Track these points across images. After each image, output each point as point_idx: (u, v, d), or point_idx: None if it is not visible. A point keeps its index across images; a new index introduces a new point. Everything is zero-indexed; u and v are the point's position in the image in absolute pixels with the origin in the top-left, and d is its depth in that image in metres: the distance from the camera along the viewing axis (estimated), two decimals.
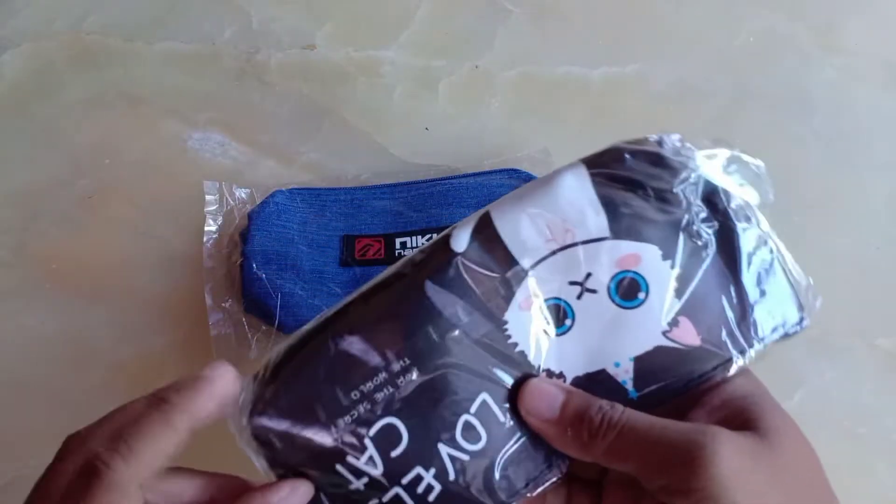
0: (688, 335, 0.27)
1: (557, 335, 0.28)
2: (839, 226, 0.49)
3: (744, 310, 0.28)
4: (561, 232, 0.28)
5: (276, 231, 0.45)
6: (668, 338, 0.27)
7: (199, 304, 0.44)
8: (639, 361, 0.27)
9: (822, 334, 0.45)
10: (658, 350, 0.27)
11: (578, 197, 0.28)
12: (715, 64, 0.53)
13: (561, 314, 0.28)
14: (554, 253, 0.28)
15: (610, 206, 0.28)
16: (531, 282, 0.28)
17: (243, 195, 0.47)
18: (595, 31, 0.54)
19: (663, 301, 0.27)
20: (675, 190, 0.28)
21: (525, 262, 0.28)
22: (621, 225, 0.27)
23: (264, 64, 0.53)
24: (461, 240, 0.28)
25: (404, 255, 0.44)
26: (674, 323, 0.27)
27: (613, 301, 0.27)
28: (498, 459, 0.27)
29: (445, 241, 0.28)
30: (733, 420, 0.25)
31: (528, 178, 0.47)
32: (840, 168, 0.50)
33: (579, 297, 0.28)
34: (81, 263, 0.48)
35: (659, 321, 0.27)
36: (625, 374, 0.28)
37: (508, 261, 0.28)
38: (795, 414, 0.44)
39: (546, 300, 0.28)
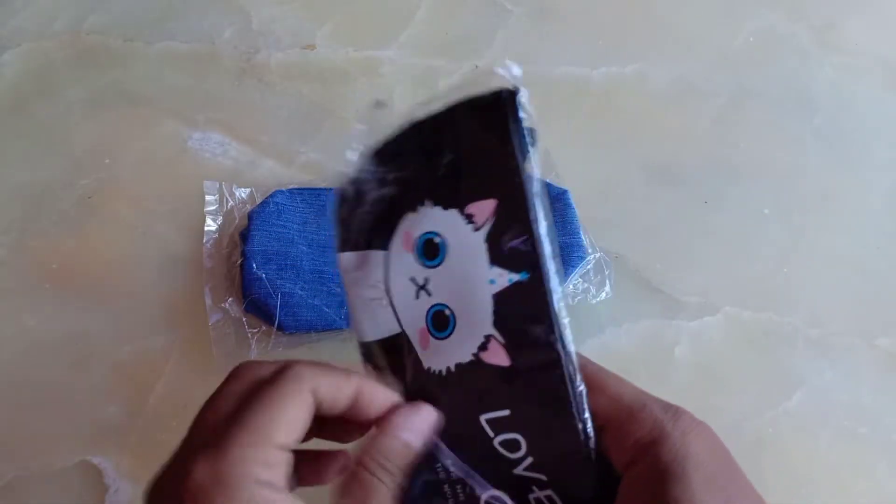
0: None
1: (442, 337, 0.28)
2: (839, 226, 0.49)
3: None
4: (379, 293, 0.29)
5: (276, 231, 0.45)
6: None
7: (199, 304, 0.44)
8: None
9: (822, 334, 0.45)
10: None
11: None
12: (715, 64, 0.53)
13: (443, 320, 0.28)
14: (390, 304, 0.29)
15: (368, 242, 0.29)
16: (411, 334, 0.28)
17: (243, 195, 0.47)
18: (595, 31, 0.54)
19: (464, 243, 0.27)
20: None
21: (398, 326, 0.29)
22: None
23: (264, 64, 0.53)
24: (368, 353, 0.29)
25: None
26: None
27: (424, 265, 0.28)
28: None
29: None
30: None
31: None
32: (840, 168, 0.50)
33: (423, 288, 0.28)
34: (81, 263, 0.48)
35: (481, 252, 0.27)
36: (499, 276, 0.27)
37: (397, 340, 0.29)
38: (795, 414, 0.44)
39: (432, 310, 0.28)
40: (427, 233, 0.27)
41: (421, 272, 0.27)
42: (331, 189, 0.47)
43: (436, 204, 0.27)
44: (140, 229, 0.48)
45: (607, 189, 0.49)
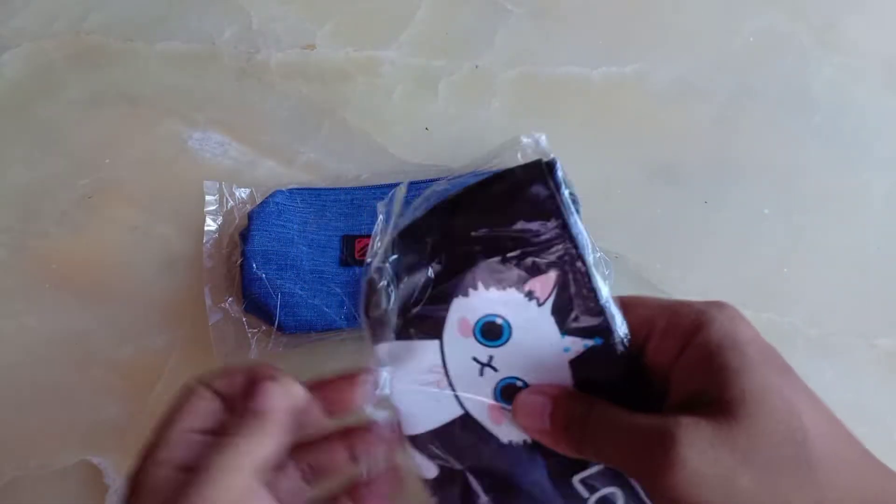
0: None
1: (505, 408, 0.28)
2: (839, 226, 0.49)
3: None
4: (436, 377, 0.28)
5: (276, 231, 0.45)
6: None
7: (199, 304, 0.44)
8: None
9: (822, 334, 0.45)
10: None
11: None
12: (715, 63, 0.53)
13: (516, 392, 0.27)
14: (439, 387, 0.28)
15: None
16: (478, 413, 0.28)
17: (243, 195, 0.47)
18: (595, 31, 0.54)
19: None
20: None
21: (459, 408, 0.28)
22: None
23: (264, 64, 0.53)
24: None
25: None
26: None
27: (487, 345, 0.27)
28: None
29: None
30: (703, 390, 0.24)
31: None
32: (840, 167, 0.50)
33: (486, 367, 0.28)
34: (81, 263, 0.48)
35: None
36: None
37: (458, 423, 0.28)
38: None
39: (501, 384, 0.28)
40: (486, 316, 0.27)
41: (484, 352, 0.27)
42: (331, 189, 0.47)
43: (489, 286, 0.27)
44: (140, 229, 0.48)
45: (607, 189, 0.49)
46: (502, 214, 0.27)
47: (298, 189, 0.47)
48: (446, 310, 0.27)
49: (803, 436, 0.23)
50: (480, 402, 0.27)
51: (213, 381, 0.29)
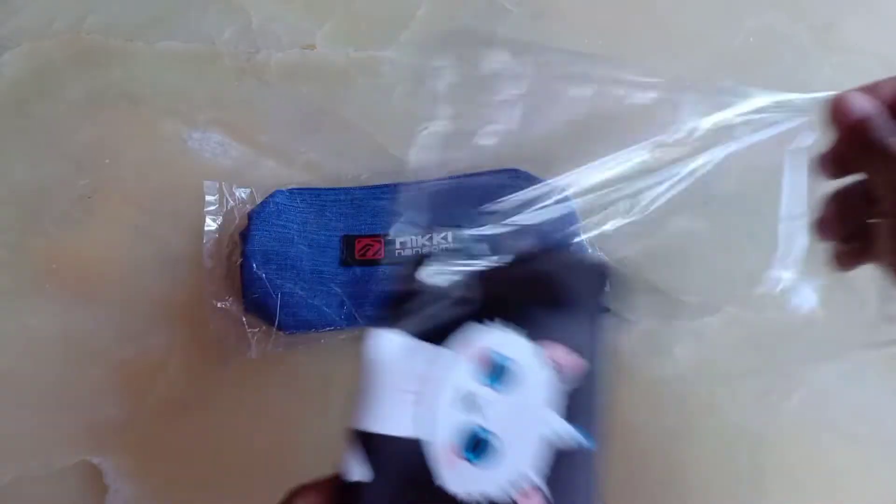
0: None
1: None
2: None
3: None
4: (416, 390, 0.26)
5: (276, 231, 0.45)
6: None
7: (198, 304, 0.45)
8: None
9: None
10: None
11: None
12: (715, 63, 0.53)
13: (483, 446, 0.26)
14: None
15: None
16: (437, 447, 0.25)
17: (243, 195, 0.47)
18: (595, 31, 0.54)
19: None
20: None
21: (412, 432, 0.25)
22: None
23: (264, 64, 0.53)
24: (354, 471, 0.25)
25: (404, 255, 0.45)
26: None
27: (484, 383, 0.26)
28: None
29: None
30: None
31: (528, 177, 0.47)
32: None
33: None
34: (81, 263, 0.48)
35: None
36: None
37: (406, 445, 0.25)
38: (795, 414, 0.44)
39: (473, 430, 0.26)
40: (499, 353, 0.26)
41: (477, 388, 0.26)
42: (331, 189, 0.47)
43: (511, 328, 0.26)
44: (140, 229, 0.48)
45: None
46: (556, 290, 0.27)
47: (298, 189, 0.47)
48: (458, 326, 0.26)
49: None
50: (442, 436, 0.25)
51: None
